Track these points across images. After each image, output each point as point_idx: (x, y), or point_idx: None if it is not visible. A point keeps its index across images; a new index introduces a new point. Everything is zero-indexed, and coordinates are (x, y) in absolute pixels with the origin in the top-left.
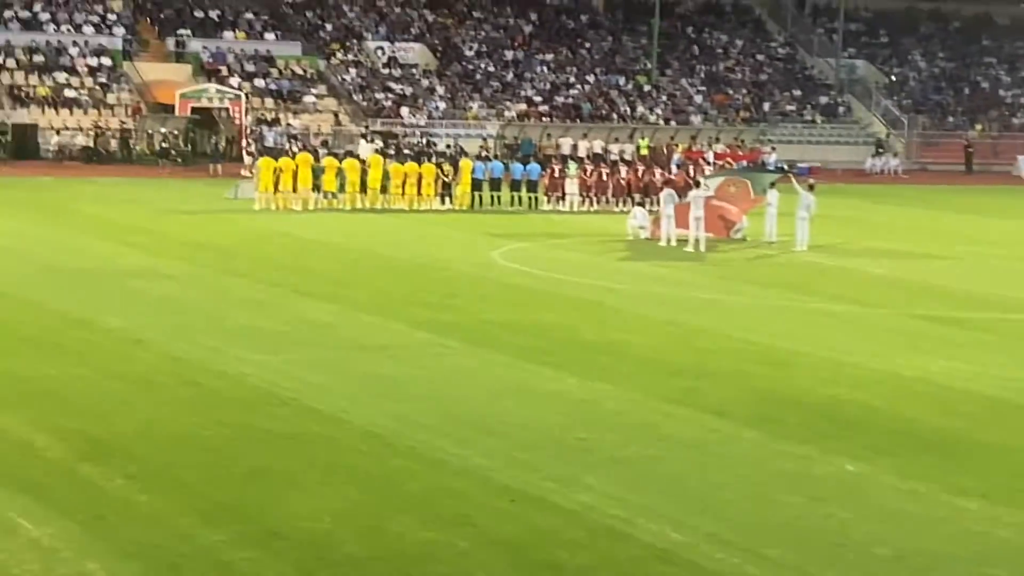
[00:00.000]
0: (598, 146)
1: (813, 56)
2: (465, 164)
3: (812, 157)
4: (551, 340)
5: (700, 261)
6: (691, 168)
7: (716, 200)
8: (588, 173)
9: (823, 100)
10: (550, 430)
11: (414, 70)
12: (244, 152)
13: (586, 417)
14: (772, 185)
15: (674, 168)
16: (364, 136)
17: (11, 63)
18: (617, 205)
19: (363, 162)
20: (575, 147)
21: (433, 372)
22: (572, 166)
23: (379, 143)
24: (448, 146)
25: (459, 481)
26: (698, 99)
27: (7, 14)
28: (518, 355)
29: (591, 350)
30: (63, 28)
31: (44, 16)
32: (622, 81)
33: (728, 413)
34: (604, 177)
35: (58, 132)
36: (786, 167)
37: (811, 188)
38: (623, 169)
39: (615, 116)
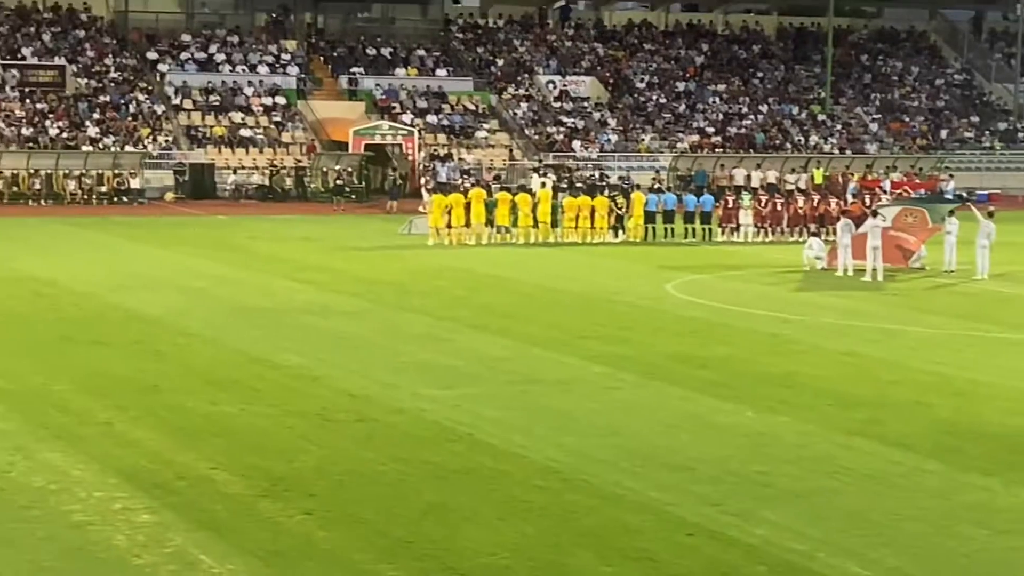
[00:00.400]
0: (772, 176)
1: (991, 82)
2: (637, 197)
3: (991, 184)
4: (727, 372)
5: (878, 291)
6: (867, 197)
7: (893, 230)
8: (762, 203)
9: (1001, 126)
10: (727, 463)
11: (585, 103)
12: (423, 189)
13: (764, 450)
14: (951, 213)
15: (850, 197)
16: (536, 170)
17: (188, 104)
18: (792, 235)
19: (535, 196)
20: (748, 177)
21: (608, 406)
22: (746, 197)
23: (551, 177)
24: (620, 179)
25: (636, 516)
26: (873, 127)
27: (184, 56)
28: (694, 388)
29: (768, 382)
30: (238, 69)
31: (220, 57)
32: (795, 110)
33: (909, 445)
34: (779, 207)
35: (234, 171)
36: (964, 196)
37: (991, 215)
38: (798, 199)
39: (789, 146)
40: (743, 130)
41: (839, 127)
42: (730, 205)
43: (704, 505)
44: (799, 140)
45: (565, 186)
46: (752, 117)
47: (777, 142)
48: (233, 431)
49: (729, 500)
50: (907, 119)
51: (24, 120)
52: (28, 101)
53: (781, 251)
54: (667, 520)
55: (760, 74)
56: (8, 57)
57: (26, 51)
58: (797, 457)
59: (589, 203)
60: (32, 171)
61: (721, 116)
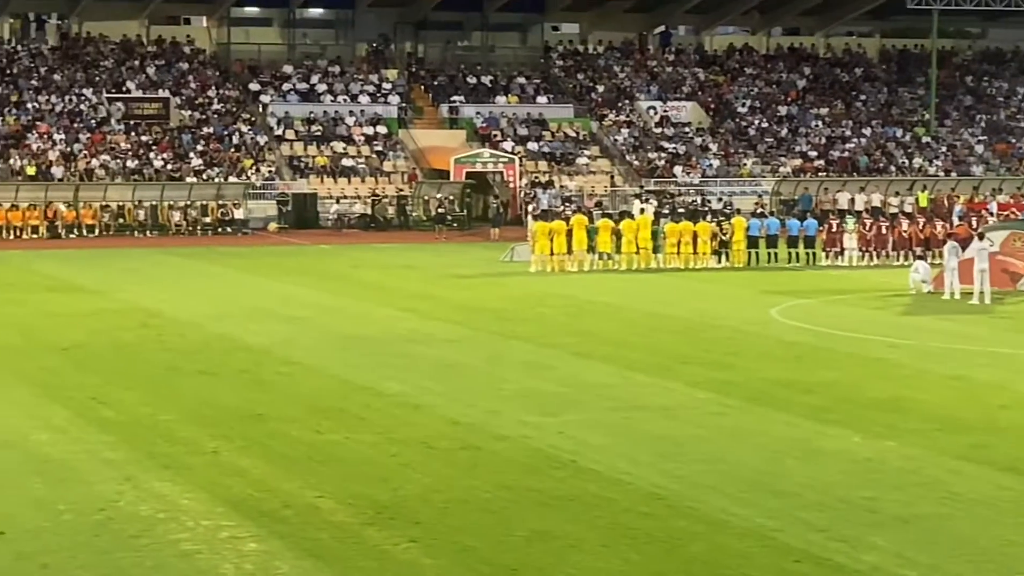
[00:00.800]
0: (876, 199)
1: None
2: (738, 222)
3: None
4: (833, 397)
5: (985, 314)
6: (974, 220)
7: (1002, 255)
8: (867, 227)
9: None
10: (834, 489)
11: (687, 128)
12: (531, 216)
13: (871, 475)
14: None
15: (956, 220)
16: (638, 196)
17: (290, 134)
18: (898, 259)
19: (637, 222)
20: (852, 201)
21: (713, 432)
22: (850, 220)
23: (653, 203)
24: (722, 204)
25: (742, 542)
26: (979, 149)
27: (285, 87)
28: (800, 413)
29: (874, 407)
30: (340, 99)
31: (321, 87)
32: (899, 133)
33: (1020, 469)
34: (883, 231)
35: (336, 200)
36: None
37: None
38: (903, 222)
39: (893, 169)
40: (846, 153)
41: (944, 149)
42: (834, 229)
43: (811, 531)
44: (903, 163)
45: (667, 212)
46: (855, 140)
47: (881, 165)
48: (338, 459)
49: (836, 526)
50: (1013, 140)
51: (129, 152)
52: (133, 134)
53: (886, 275)
54: (773, 547)
55: (863, 97)
56: (113, 90)
57: (131, 84)
58: (905, 482)
59: (691, 228)
60: (137, 203)
61: (824, 140)
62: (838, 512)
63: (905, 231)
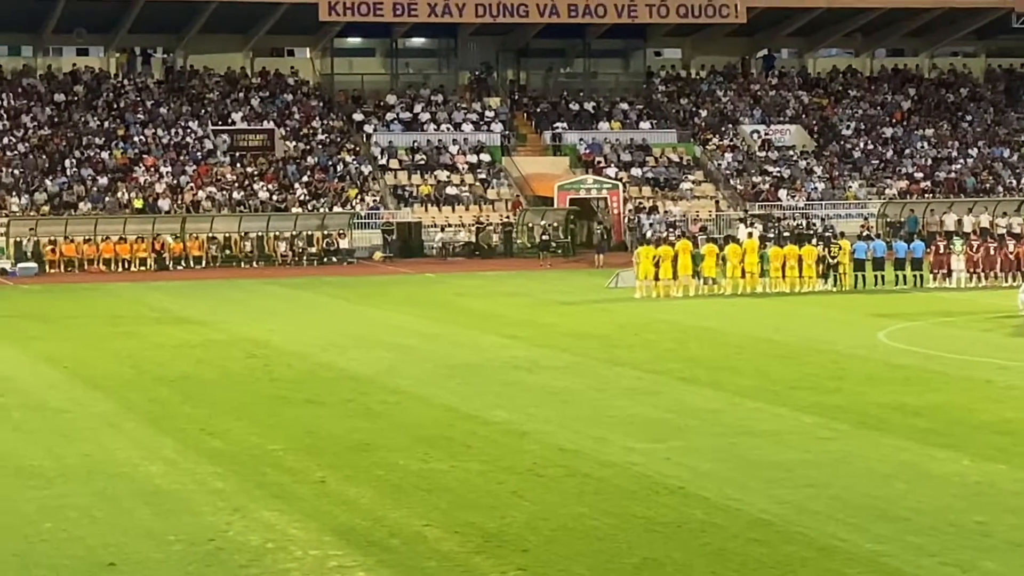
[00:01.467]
0: (984, 220)
1: None
2: (844, 244)
3: None
4: (942, 421)
5: None
6: None
7: None
8: (974, 248)
9: None
10: (944, 513)
11: (791, 152)
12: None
13: (982, 499)
14: None
15: None
16: (743, 220)
17: (394, 163)
18: (1006, 280)
19: (742, 246)
20: (959, 222)
21: (821, 457)
22: (957, 242)
23: (758, 227)
24: (824, 227)
25: (853, 568)
26: None
27: (389, 116)
28: (909, 437)
29: (985, 430)
30: (443, 127)
31: (424, 116)
32: (1006, 153)
33: None
34: (991, 252)
35: (441, 229)
36: None
37: None
38: (1010, 243)
39: (1000, 189)
40: (952, 174)
41: None
42: (941, 251)
43: (922, 556)
44: (1011, 183)
45: (772, 236)
46: (961, 161)
47: (988, 185)
48: (444, 487)
49: (947, 551)
50: None
51: (235, 184)
52: (238, 165)
53: (995, 296)
54: (884, 572)
55: (969, 117)
56: (219, 123)
57: (236, 116)
58: (1017, 506)
59: (796, 252)
60: (243, 234)
61: (929, 161)
62: (949, 536)
63: (1012, 252)
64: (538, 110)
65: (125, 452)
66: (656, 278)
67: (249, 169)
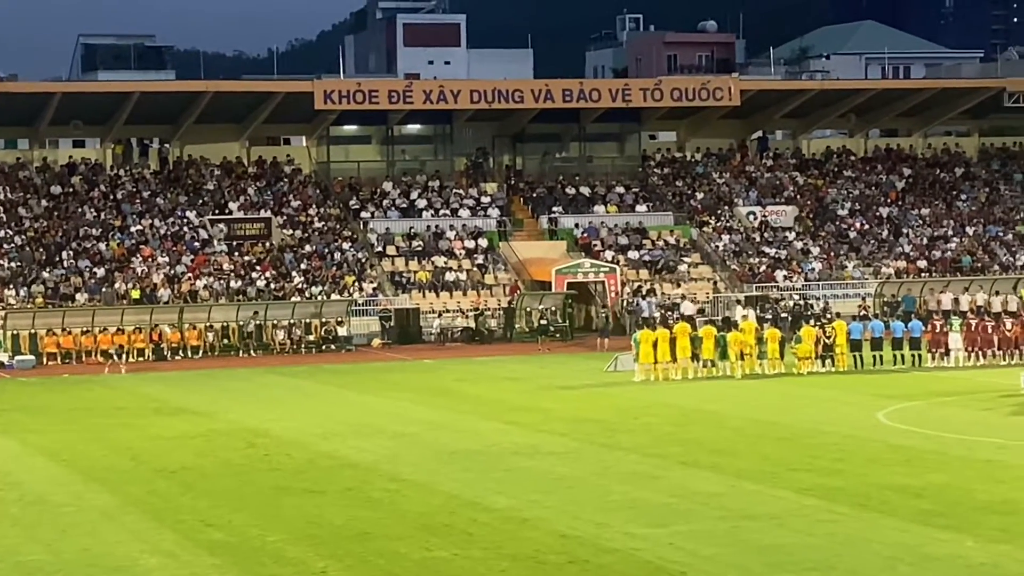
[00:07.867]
0: (981, 299)
1: None
2: (839, 325)
3: None
4: (944, 502)
5: None
6: None
7: None
8: (972, 327)
9: None
10: None
11: (787, 232)
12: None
13: None
14: None
15: None
16: (739, 302)
17: (391, 250)
18: (1004, 359)
19: (740, 328)
20: (956, 301)
21: (824, 540)
22: (955, 321)
23: (754, 310)
24: (822, 308)
25: None
26: None
27: (386, 203)
28: (911, 518)
29: (987, 510)
30: (440, 213)
31: (421, 203)
32: (1001, 231)
33: None
34: (989, 330)
35: (439, 315)
36: None
37: None
38: (1007, 321)
39: (996, 267)
40: (948, 253)
41: None
42: (939, 330)
43: None
44: (1007, 260)
45: (769, 317)
46: (956, 240)
47: (983, 264)
48: (444, 575)
49: None
50: None
51: (232, 272)
52: (236, 254)
53: (993, 375)
54: None
55: (963, 196)
56: (215, 212)
57: (232, 205)
58: None
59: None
60: (241, 322)
61: (925, 240)
62: None
63: (1009, 330)
64: (534, 195)
65: (124, 546)
66: (655, 361)
67: (247, 257)
